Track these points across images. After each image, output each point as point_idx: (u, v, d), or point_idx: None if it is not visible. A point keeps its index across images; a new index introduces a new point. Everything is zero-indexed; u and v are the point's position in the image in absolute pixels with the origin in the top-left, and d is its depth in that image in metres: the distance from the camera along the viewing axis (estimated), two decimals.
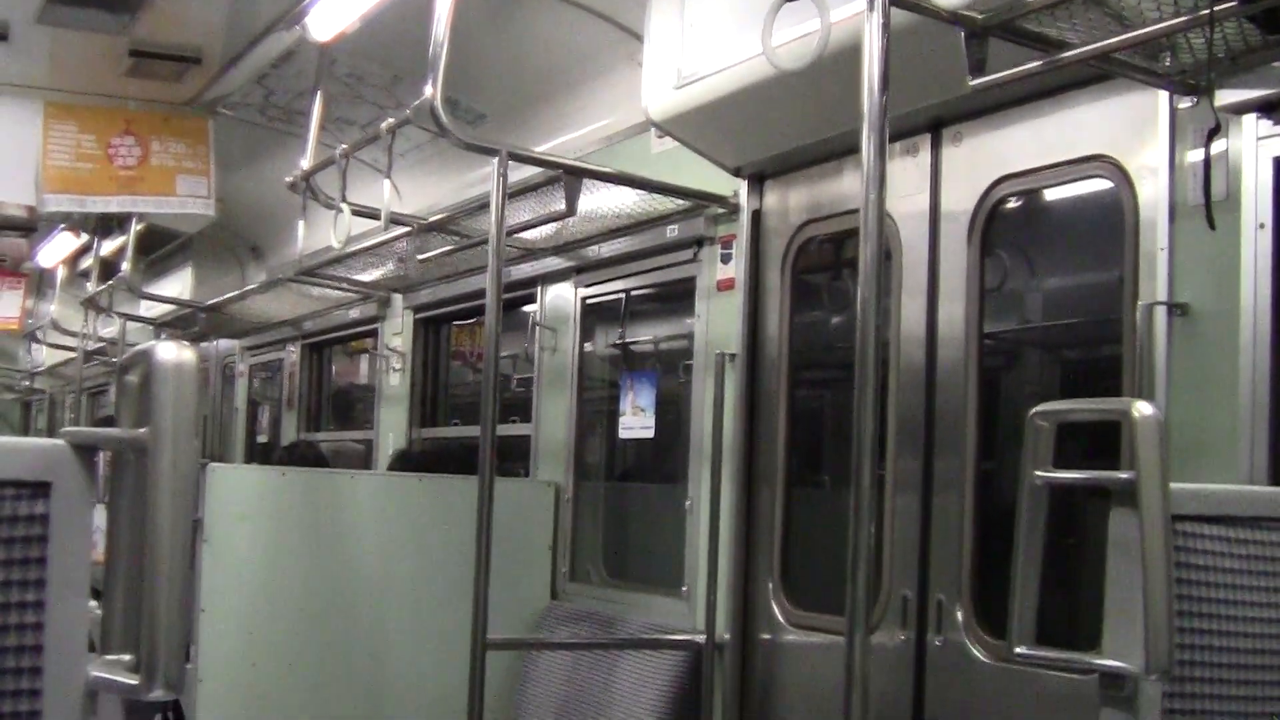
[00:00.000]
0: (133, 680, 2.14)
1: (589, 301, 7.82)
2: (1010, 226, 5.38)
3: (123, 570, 2.21)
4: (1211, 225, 4.18)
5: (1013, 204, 5.27)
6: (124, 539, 2.21)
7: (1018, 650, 3.14)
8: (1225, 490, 3.19)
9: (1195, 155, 4.32)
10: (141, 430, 2.13)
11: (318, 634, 6.92)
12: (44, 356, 18.21)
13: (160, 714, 7.57)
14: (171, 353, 2.14)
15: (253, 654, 6.77)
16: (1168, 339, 4.39)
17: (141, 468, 2.13)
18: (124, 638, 2.22)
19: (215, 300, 11.59)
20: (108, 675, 2.19)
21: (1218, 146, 4.26)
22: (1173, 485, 2.87)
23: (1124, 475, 2.86)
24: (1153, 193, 4.51)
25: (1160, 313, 4.39)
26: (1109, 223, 4.76)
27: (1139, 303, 4.44)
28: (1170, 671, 2.86)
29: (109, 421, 2.45)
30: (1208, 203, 4.18)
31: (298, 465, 8.59)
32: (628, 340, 7.72)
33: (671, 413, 7.19)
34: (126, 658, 2.20)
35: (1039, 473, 3.06)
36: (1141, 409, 2.89)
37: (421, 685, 7.11)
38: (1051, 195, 5.26)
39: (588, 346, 7.89)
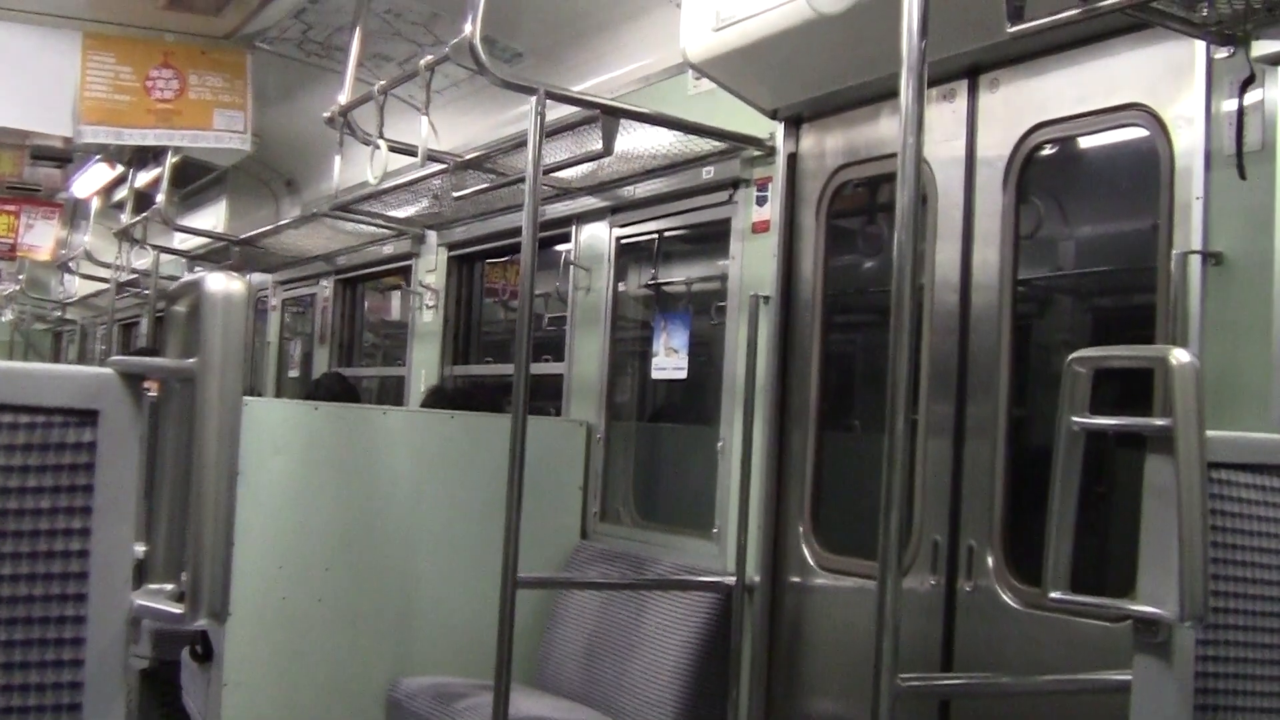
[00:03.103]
0: (177, 609, 2.17)
1: (623, 241, 7.82)
2: (1046, 173, 5.37)
3: (167, 500, 2.24)
4: (1243, 175, 4.19)
5: (1048, 151, 5.26)
6: (169, 469, 2.24)
7: (1052, 595, 3.15)
8: (1261, 439, 3.19)
9: (1231, 105, 4.32)
10: (190, 360, 2.15)
11: (348, 569, 6.96)
12: (76, 287, 18.20)
13: (189, 646, 7.63)
14: (221, 284, 2.16)
15: (283, 588, 6.81)
16: (1202, 288, 4.38)
17: (187, 398, 2.16)
18: (167, 567, 2.25)
19: (249, 234, 11.59)
20: (152, 604, 2.22)
21: (1253, 96, 4.26)
22: (1209, 433, 2.88)
23: (1160, 422, 2.86)
24: (1188, 142, 4.50)
25: (1195, 262, 4.39)
26: (1144, 171, 4.76)
27: (1174, 251, 4.44)
28: (1205, 619, 2.88)
29: (144, 353, 2.47)
30: (1239, 153, 4.19)
31: (324, 398, 8.64)
32: (661, 281, 7.73)
33: (704, 354, 7.20)
34: (169, 587, 2.24)
35: (1075, 419, 3.06)
36: (1178, 356, 2.90)
37: (451, 622, 7.16)
38: (1087, 143, 5.25)
39: (621, 286, 7.89)
